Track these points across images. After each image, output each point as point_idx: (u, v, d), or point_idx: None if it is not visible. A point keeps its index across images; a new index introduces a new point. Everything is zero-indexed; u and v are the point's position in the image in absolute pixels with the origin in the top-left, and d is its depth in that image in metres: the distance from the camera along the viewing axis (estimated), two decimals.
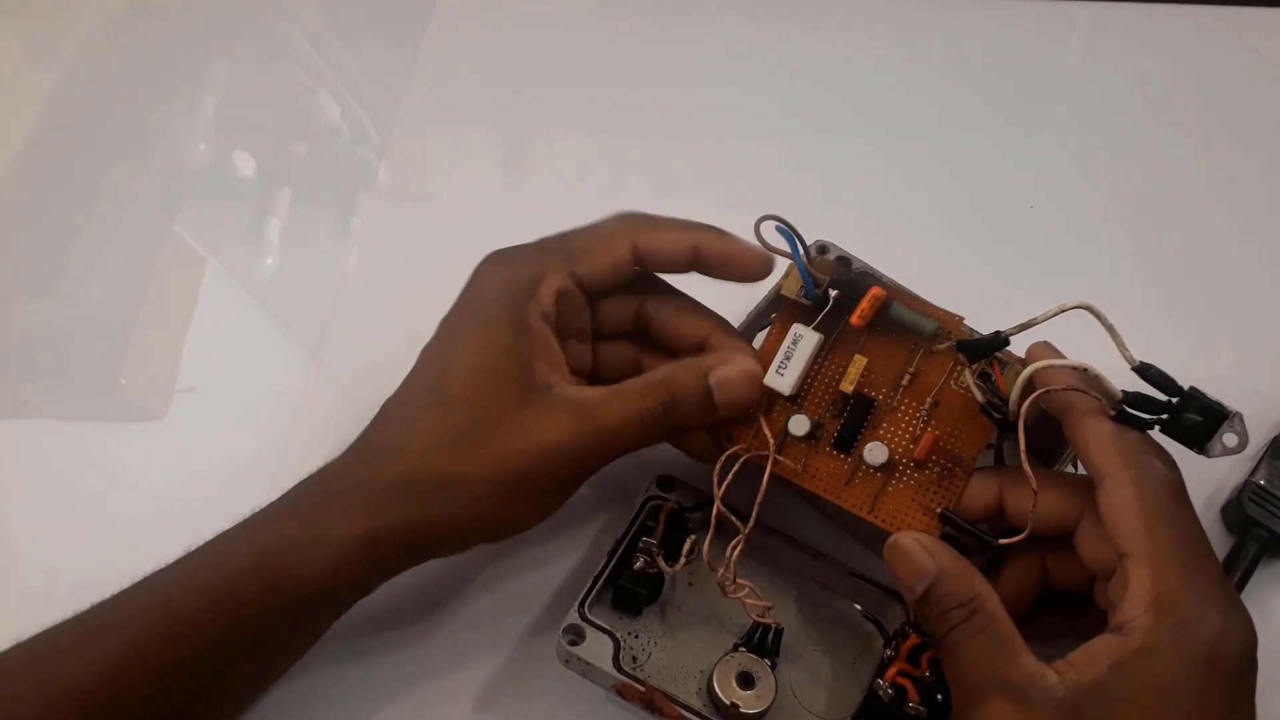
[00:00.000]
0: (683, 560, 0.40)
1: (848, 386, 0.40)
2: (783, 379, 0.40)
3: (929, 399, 0.40)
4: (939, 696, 0.36)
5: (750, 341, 0.43)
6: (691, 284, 0.43)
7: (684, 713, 0.37)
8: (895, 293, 0.41)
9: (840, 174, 0.56)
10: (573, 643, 0.38)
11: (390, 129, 0.59)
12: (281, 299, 0.54)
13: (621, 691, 0.38)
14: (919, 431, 0.40)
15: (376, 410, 0.40)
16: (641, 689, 0.37)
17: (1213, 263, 0.53)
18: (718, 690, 0.38)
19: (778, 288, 0.42)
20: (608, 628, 0.38)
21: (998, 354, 0.38)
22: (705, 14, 0.62)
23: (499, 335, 0.39)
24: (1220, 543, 0.43)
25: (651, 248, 0.41)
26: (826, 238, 0.43)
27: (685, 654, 0.40)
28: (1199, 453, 0.36)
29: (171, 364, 0.52)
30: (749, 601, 0.39)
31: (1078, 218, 0.54)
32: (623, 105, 0.59)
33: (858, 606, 0.42)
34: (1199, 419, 0.35)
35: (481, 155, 0.58)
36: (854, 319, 0.40)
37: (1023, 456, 0.36)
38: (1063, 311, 0.35)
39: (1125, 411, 0.36)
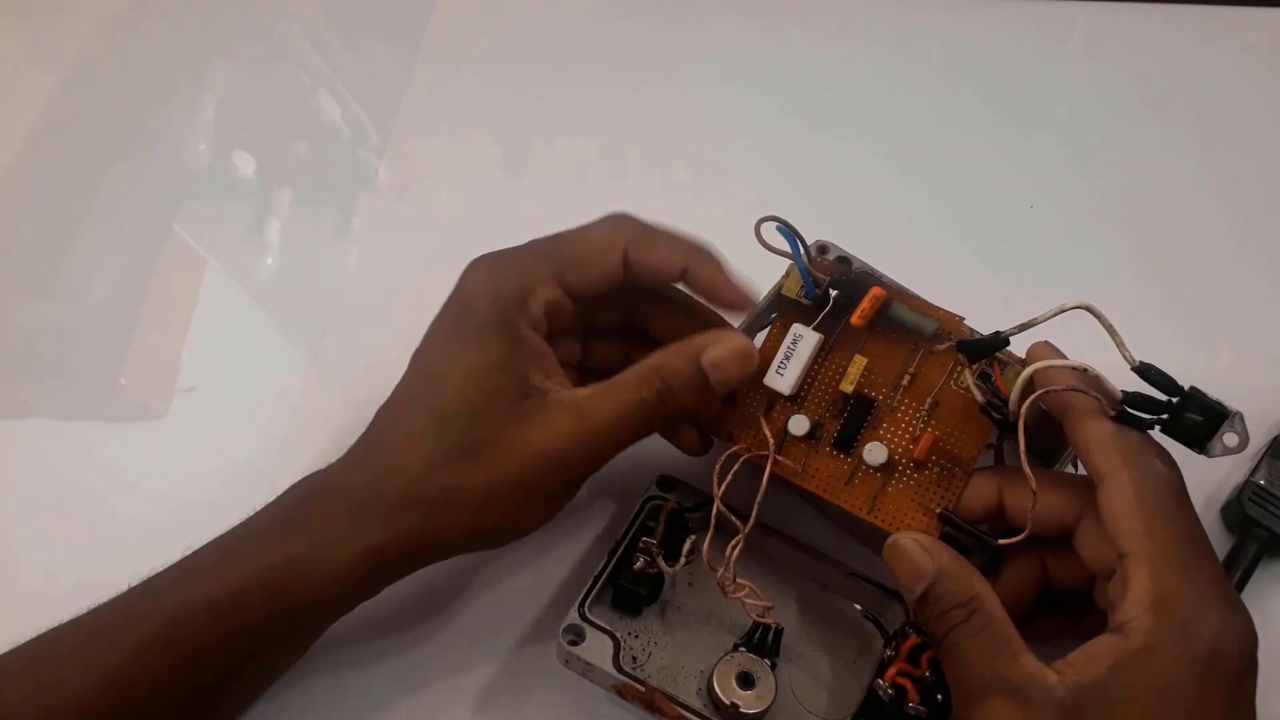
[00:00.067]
0: (683, 560, 0.40)
1: (848, 386, 0.40)
2: (783, 379, 0.40)
3: (929, 399, 0.40)
4: (939, 696, 0.36)
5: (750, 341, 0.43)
6: None
7: (684, 713, 0.37)
8: (895, 293, 0.41)
9: (840, 174, 0.56)
10: (573, 643, 0.38)
11: (390, 129, 0.59)
12: (281, 299, 0.54)
13: (621, 691, 0.38)
14: (919, 432, 0.40)
15: (375, 411, 0.40)
16: (641, 689, 0.37)
17: (1213, 263, 0.53)
18: (718, 690, 0.38)
19: (778, 287, 0.42)
20: (608, 628, 0.38)
21: (998, 354, 0.38)
22: (705, 14, 0.62)
23: (492, 348, 0.38)
24: (1220, 543, 0.42)
25: (643, 261, 0.40)
26: (826, 238, 0.43)
27: (685, 654, 0.40)
28: (1199, 453, 0.36)
29: (171, 364, 0.52)
30: (749, 601, 0.39)
31: (1078, 218, 0.54)
32: (623, 105, 0.59)
33: (858, 606, 0.42)
34: (1199, 419, 0.35)
35: (481, 155, 0.58)
36: (854, 319, 0.40)
37: (1023, 457, 0.36)
38: (1063, 312, 0.35)
39: (1125, 411, 0.36)
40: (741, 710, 0.38)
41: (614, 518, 0.45)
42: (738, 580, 0.39)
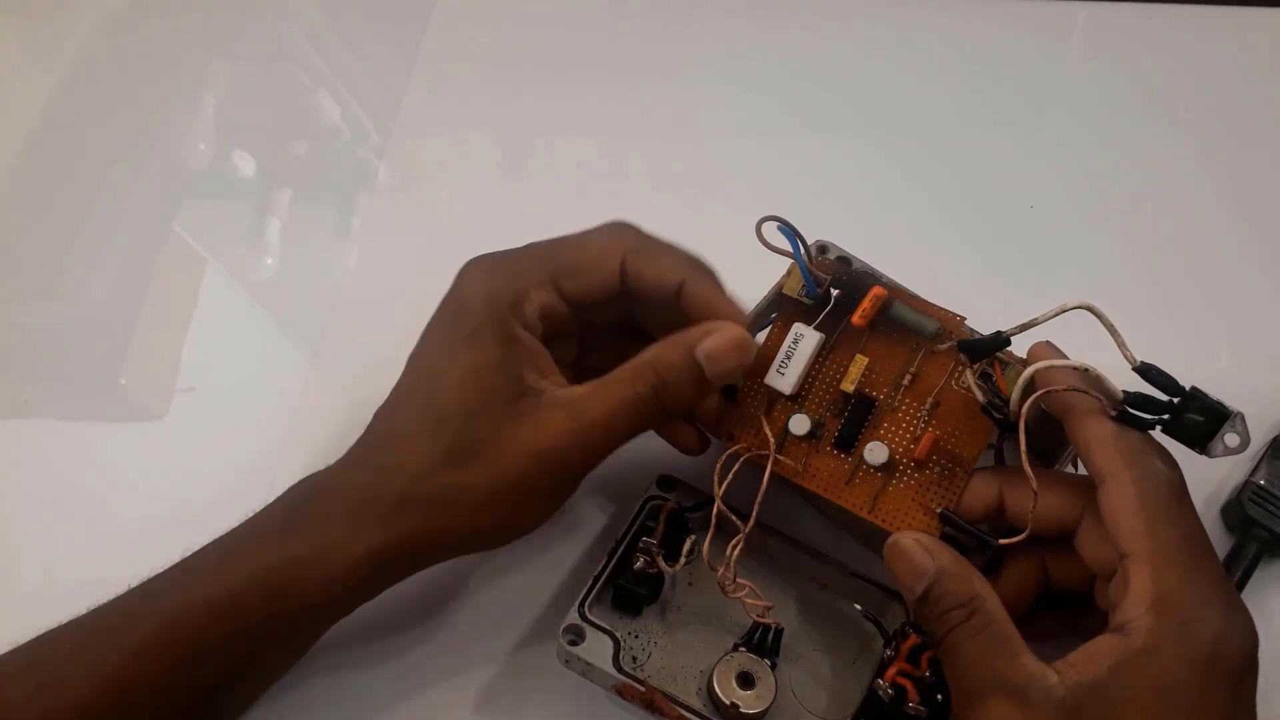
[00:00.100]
0: (683, 560, 0.40)
1: (849, 386, 0.40)
2: (784, 378, 0.40)
3: (930, 399, 0.40)
4: (939, 696, 0.36)
5: None
6: None
7: (684, 713, 0.37)
8: (896, 292, 0.41)
9: (840, 174, 0.56)
10: (573, 643, 0.38)
11: (390, 129, 0.59)
12: (281, 299, 0.54)
13: (621, 691, 0.38)
14: (920, 431, 0.40)
15: (375, 411, 0.40)
16: (641, 689, 0.37)
17: (1213, 263, 0.53)
18: (718, 690, 0.38)
19: (779, 287, 0.42)
20: (608, 628, 0.38)
21: (999, 354, 0.38)
22: (705, 14, 0.62)
23: (487, 348, 0.38)
24: (1220, 543, 0.42)
25: (639, 273, 0.40)
26: (827, 237, 0.43)
27: (685, 654, 0.40)
28: (1200, 453, 0.36)
29: (171, 364, 0.52)
30: (749, 601, 0.39)
31: (1078, 218, 0.54)
32: (623, 105, 0.59)
33: (858, 606, 0.42)
34: (1200, 419, 0.35)
35: (481, 155, 0.58)
36: (855, 318, 0.40)
37: (1023, 456, 0.36)
38: (1064, 311, 0.35)
39: (1126, 412, 0.36)
40: (741, 710, 0.38)
41: (614, 518, 0.45)
42: (738, 580, 0.39)
